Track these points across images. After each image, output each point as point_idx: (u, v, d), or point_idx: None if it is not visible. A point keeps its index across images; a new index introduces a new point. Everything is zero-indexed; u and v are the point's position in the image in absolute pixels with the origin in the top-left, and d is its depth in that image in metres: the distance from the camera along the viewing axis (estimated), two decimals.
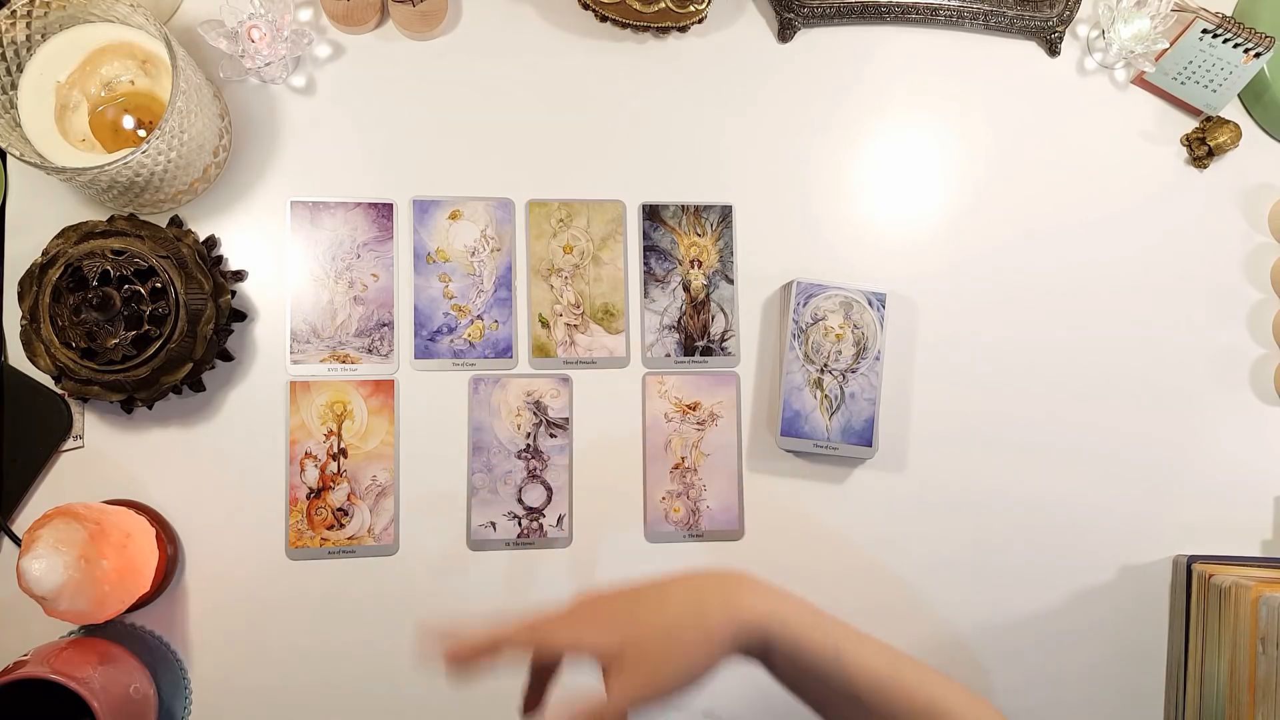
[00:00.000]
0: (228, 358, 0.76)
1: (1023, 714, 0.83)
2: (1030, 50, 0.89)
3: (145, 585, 0.70)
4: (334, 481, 0.77)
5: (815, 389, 0.80)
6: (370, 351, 0.78)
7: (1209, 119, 0.88)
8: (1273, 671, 0.73)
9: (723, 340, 0.83)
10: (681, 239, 0.83)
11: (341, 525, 0.77)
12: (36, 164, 0.66)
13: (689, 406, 0.81)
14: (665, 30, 0.84)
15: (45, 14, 0.69)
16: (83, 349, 0.68)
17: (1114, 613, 0.84)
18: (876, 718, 0.56)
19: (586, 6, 0.83)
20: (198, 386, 0.75)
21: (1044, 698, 0.83)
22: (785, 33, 0.85)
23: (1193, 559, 0.83)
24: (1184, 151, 0.89)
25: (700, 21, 0.84)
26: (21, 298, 0.70)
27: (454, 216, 0.81)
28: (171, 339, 0.69)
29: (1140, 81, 0.89)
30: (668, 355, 0.82)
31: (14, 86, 0.70)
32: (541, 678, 0.60)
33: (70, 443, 0.74)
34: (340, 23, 0.80)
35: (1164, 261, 0.88)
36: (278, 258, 0.78)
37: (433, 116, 0.81)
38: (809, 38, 0.86)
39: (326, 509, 0.77)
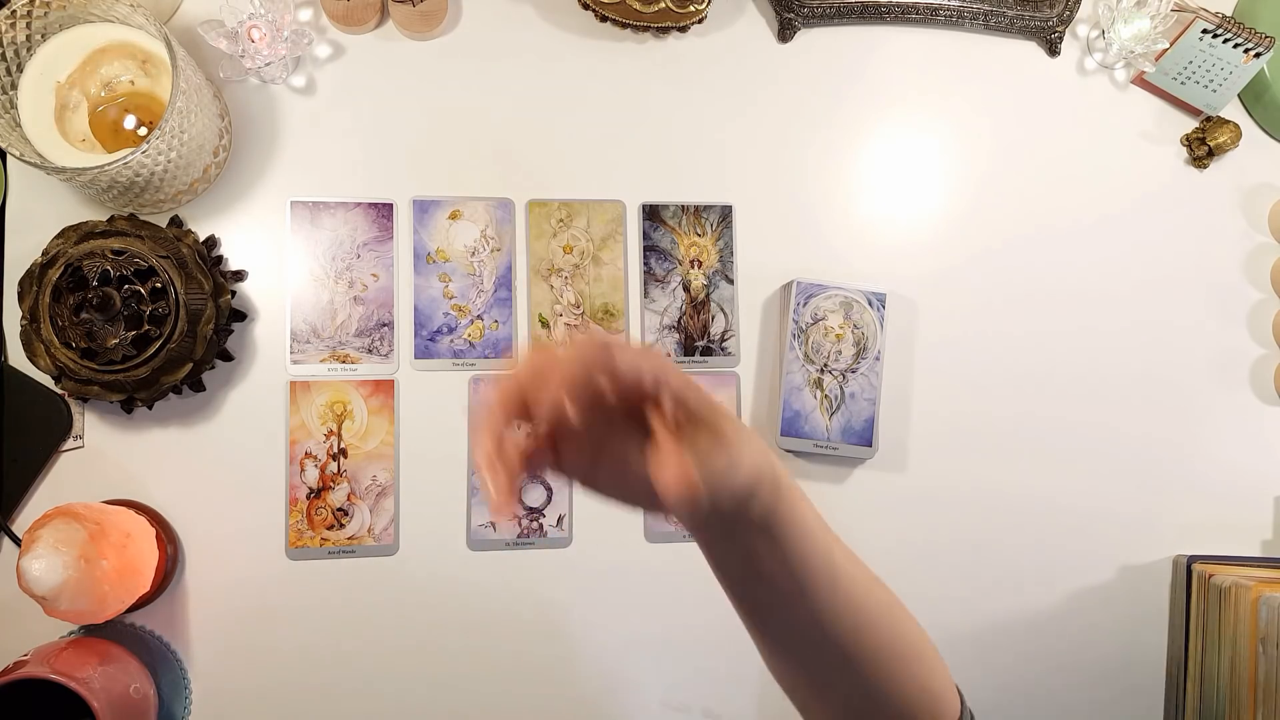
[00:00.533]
0: (228, 358, 0.76)
1: (1023, 714, 0.83)
2: (1030, 50, 0.89)
3: (145, 585, 0.70)
4: (334, 481, 0.77)
5: (815, 389, 0.80)
6: (370, 351, 0.78)
7: (1209, 119, 0.88)
8: (1273, 671, 0.73)
9: (723, 340, 0.83)
10: (681, 239, 0.83)
11: (341, 525, 0.77)
12: (36, 164, 0.66)
13: None
14: (665, 30, 0.84)
15: (45, 14, 0.69)
16: (83, 349, 0.68)
17: (1114, 613, 0.84)
18: (844, 632, 0.52)
19: (586, 6, 0.83)
20: (198, 386, 0.75)
21: (1044, 697, 0.83)
22: (785, 33, 0.85)
23: (1193, 559, 0.83)
24: (1184, 151, 0.89)
25: (700, 21, 0.84)
26: (21, 298, 0.70)
27: (454, 216, 0.81)
28: (171, 339, 0.69)
29: (1140, 81, 0.89)
30: (668, 355, 0.82)
31: (14, 86, 0.70)
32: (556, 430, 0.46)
33: (70, 443, 0.74)
34: (340, 23, 0.80)
35: (1164, 261, 0.88)
36: (278, 258, 0.78)
37: (433, 116, 0.81)
38: (809, 38, 0.86)
39: (326, 509, 0.77)
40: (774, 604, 0.52)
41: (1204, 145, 0.87)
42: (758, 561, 0.50)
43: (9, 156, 0.73)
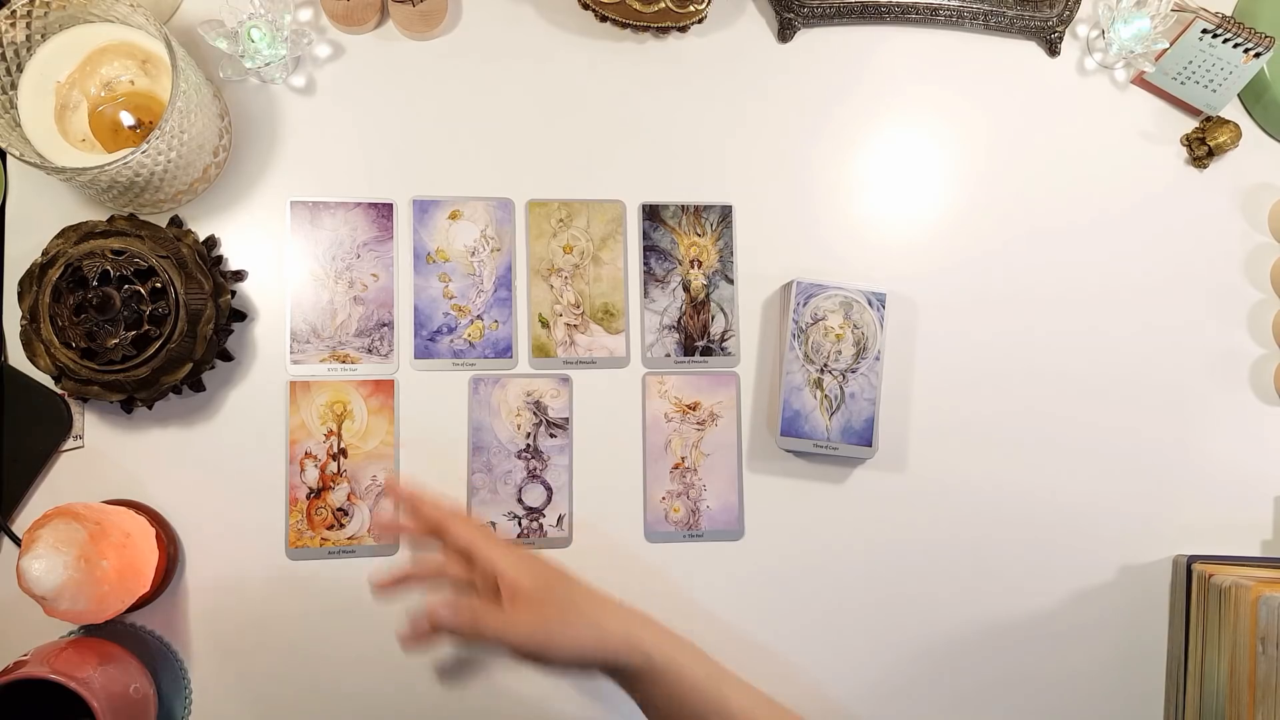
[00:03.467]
0: (228, 358, 0.76)
1: (1023, 714, 0.83)
2: (1030, 50, 0.89)
3: (145, 585, 0.70)
4: (334, 481, 0.77)
5: (815, 389, 0.80)
6: (370, 351, 0.78)
7: (1209, 119, 0.88)
8: (1273, 671, 0.73)
9: (723, 340, 0.83)
10: (681, 239, 0.83)
11: (341, 525, 0.77)
12: (36, 164, 0.66)
13: (689, 406, 0.82)
14: (665, 30, 0.84)
15: (45, 14, 0.69)
16: (83, 349, 0.68)
17: (1114, 613, 0.84)
18: None
19: (586, 6, 0.83)
20: (198, 386, 0.75)
21: (1044, 697, 0.83)
22: (785, 33, 0.85)
23: (1193, 559, 0.83)
24: (1184, 151, 0.89)
25: (700, 21, 0.84)
26: (21, 298, 0.70)
27: (454, 216, 0.81)
28: (171, 339, 0.69)
29: (1140, 81, 0.89)
30: (668, 355, 0.82)
31: (14, 86, 0.70)
32: (426, 571, 0.65)
33: (70, 443, 0.74)
34: (340, 23, 0.80)
35: (1164, 261, 0.88)
36: (278, 258, 0.78)
37: (433, 116, 0.81)
38: (809, 38, 0.86)
39: (326, 509, 0.77)
40: None
41: (1204, 145, 0.87)
42: (648, 710, 0.62)
43: (9, 156, 0.73)
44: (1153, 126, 0.89)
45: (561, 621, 0.59)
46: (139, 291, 0.69)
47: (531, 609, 0.59)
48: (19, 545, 0.71)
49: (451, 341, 0.80)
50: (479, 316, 0.80)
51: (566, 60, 0.83)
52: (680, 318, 0.82)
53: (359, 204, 0.80)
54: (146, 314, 0.69)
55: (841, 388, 0.80)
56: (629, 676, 0.60)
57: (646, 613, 0.62)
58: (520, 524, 0.79)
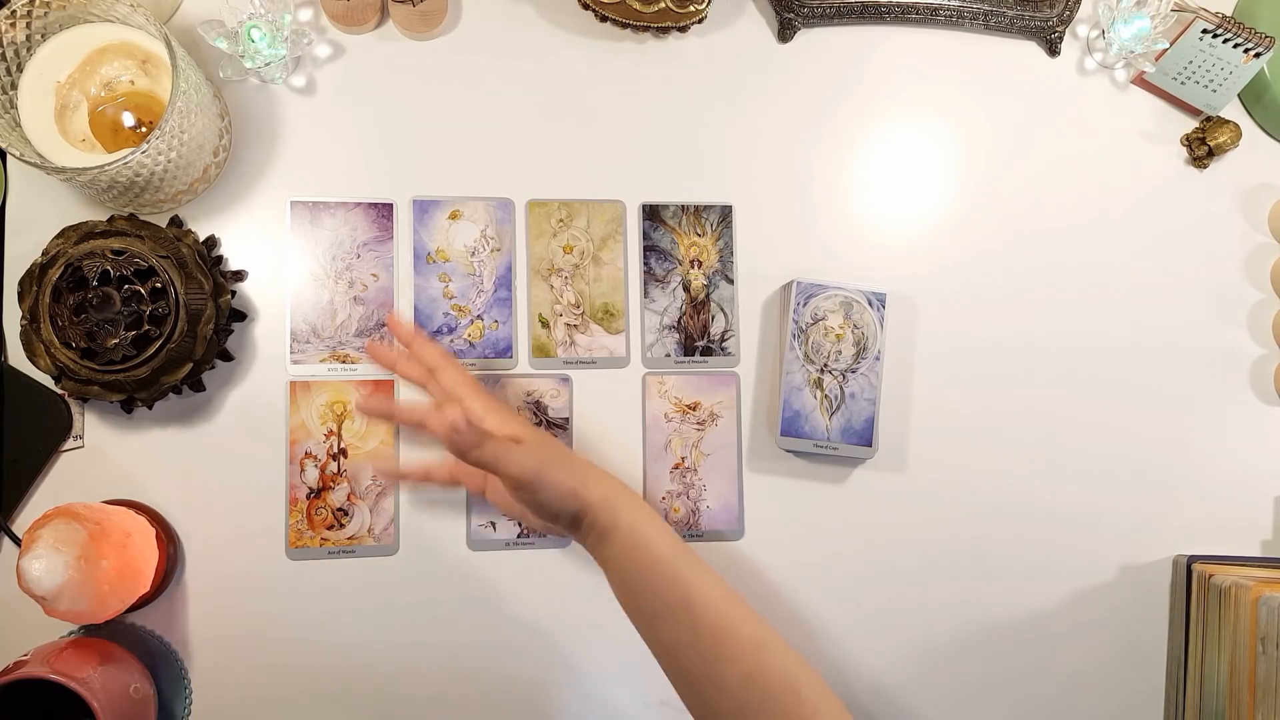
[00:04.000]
0: (228, 358, 0.76)
1: (1023, 713, 0.83)
2: (1030, 50, 0.89)
3: (145, 585, 0.70)
4: (334, 481, 0.77)
5: (815, 389, 0.80)
6: None
7: (1209, 119, 0.88)
8: (1273, 671, 0.73)
9: (723, 340, 0.83)
10: (681, 239, 0.83)
11: (341, 525, 0.77)
12: (36, 164, 0.66)
13: (689, 406, 0.82)
14: (665, 30, 0.84)
15: (45, 14, 0.69)
16: (83, 349, 0.68)
17: (1114, 613, 0.84)
18: (705, 635, 0.60)
19: (586, 6, 0.83)
20: (198, 386, 0.75)
21: (1044, 697, 0.83)
22: (785, 33, 0.85)
23: (1193, 559, 0.83)
24: (1184, 151, 0.89)
25: (700, 21, 0.84)
26: (21, 298, 0.70)
27: (454, 216, 0.81)
28: (171, 339, 0.69)
29: (1140, 81, 0.89)
30: (668, 355, 0.82)
31: (14, 86, 0.70)
32: (414, 416, 0.72)
33: (70, 443, 0.74)
34: (340, 23, 0.80)
35: (1164, 261, 0.88)
36: (278, 258, 0.78)
37: (433, 116, 0.81)
38: (809, 38, 0.86)
39: (326, 509, 0.77)
40: (638, 616, 0.64)
41: (1204, 145, 0.87)
42: (611, 574, 0.65)
43: (9, 156, 0.73)
44: (1153, 126, 0.89)
45: (554, 464, 0.65)
46: (139, 291, 0.69)
47: (527, 449, 0.64)
48: (19, 545, 0.71)
49: (452, 341, 0.80)
50: (479, 316, 0.80)
51: (566, 60, 0.83)
52: (680, 318, 0.82)
53: (359, 204, 0.80)
54: (146, 314, 0.69)
55: (841, 388, 0.80)
56: (599, 534, 0.65)
57: (626, 482, 0.68)
58: (520, 524, 0.79)
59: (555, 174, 0.82)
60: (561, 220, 0.82)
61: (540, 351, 0.80)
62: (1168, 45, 0.86)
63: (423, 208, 0.80)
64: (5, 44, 0.68)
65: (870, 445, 0.80)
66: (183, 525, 0.75)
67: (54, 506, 0.66)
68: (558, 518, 0.66)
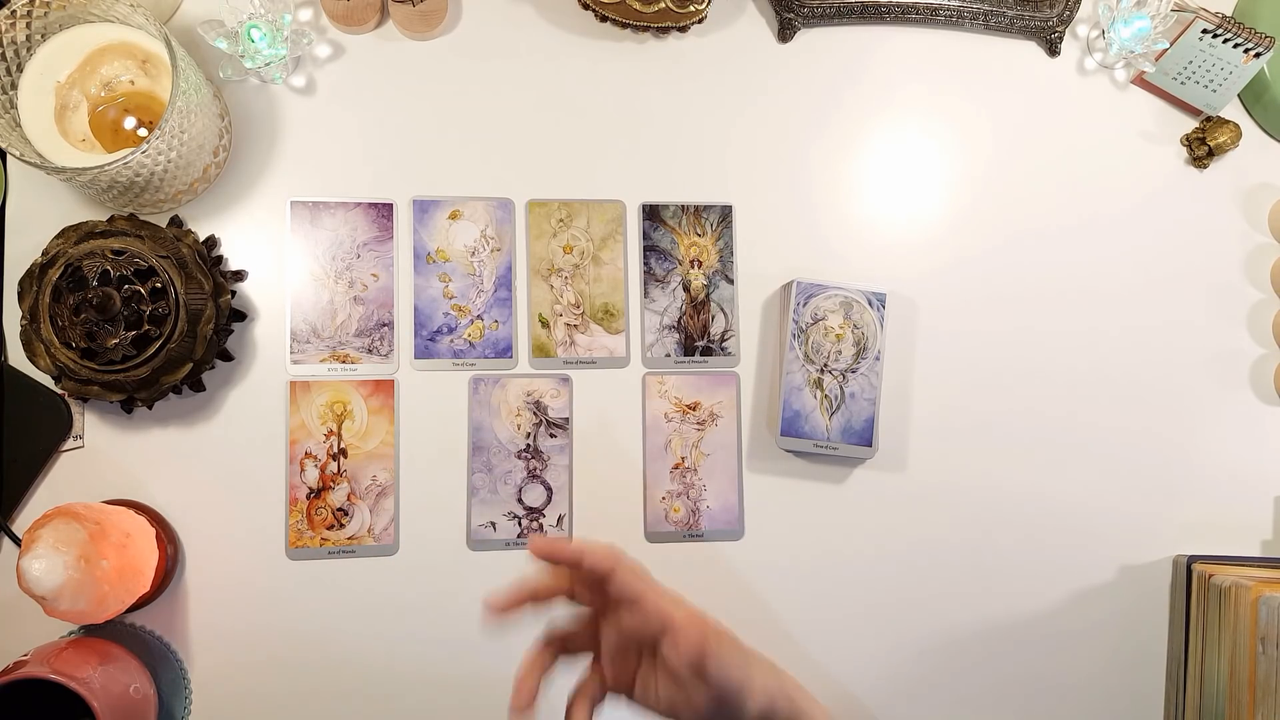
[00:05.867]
0: (228, 358, 0.76)
1: (1023, 713, 0.83)
2: (1030, 50, 0.89)
3: (145, 585, 0.70)
4: (334, 481, 0.77)
5: (815, 389, 0.80)
6: (370, 351, 0.78)
7: (1209, 119, 0.88)
8: (1273, 671, 0.73)
9: (723, 340, 0.83)
10: (681, 239, 0.83)
11: (341, 525, 0.77)
12: (36, 164, 0.66)
13: (689, 406, 0.82)
14: (665, 30, 0.84)
15: (45, 14, 0.69)
16: (83, 349, 0.68)
17: (1114, 613, 0.84)
18: None
19: (586, 6, 0.83)
20: (198, 386, 0.75)
21: (1044, 697, 0.83)
22: (785, 33, 0.85)
23: (1193, 559, 0.83)
24: (1184, 151, 0.89)
25: (700, 21, 0.84)
26: (21, 298, 0.70)
27: (454, 216, 0.81)
28: (171, 339, 0.69)
29: (1140, 81, 0.89)
30: (668, 355, 0.82)
31: (14, 86, 0.70)
32: (547, 591, 0.59)
33: (70, 443, 0.74)
34: (340, 23, 0.80)
35: (1164, 261, 0.88)
36: (278, 258, 0.78)
37: (433, 116, 0.81)
38: (809, 38, 0.86)
39: (326, 509, 0.77)
40: None
41: (1204, 145, 0.87)
42: None
43: (9, 156, 0.73)
44: (1153, 126, 0.89)
45: (722, 645, 0.57)
46: (139, 291, 0.69)
47: (695, 627, 0.56)
48: (19, 545, 0.71)
49: (452, 341, 0.80)
50: (479, 316, 0.80)
51: (566, 60, 0.83)
52: (680, 318, 0.82)
53: (359, 204, 0.80)
54: (146, 314, 0.69)
55: (841, 388, 0.80)
56: None
57: (792, 675, 0.59)
58: (520, 524, 0.79)
59: (555, 174, 0.82)
60: (561, 220, 0.82)
61: (540, 351, 0.80)
62: (1168, 45, 0.86)
63: (423, 208, 0.80)
64: (5, 44, 0.68)
65: (870, 445, 0.80)
66: (183, 525, 0.75)
67: (54, 506, 0.66)
68: (722, 706, 0.57)
